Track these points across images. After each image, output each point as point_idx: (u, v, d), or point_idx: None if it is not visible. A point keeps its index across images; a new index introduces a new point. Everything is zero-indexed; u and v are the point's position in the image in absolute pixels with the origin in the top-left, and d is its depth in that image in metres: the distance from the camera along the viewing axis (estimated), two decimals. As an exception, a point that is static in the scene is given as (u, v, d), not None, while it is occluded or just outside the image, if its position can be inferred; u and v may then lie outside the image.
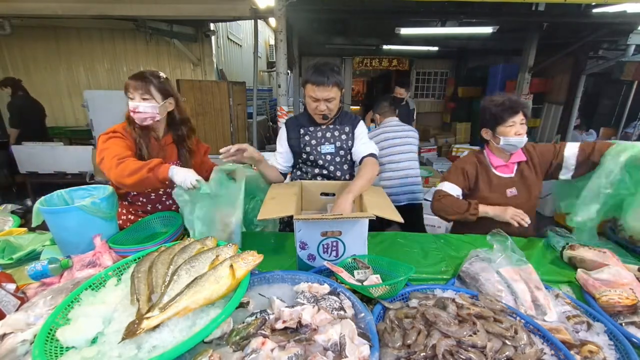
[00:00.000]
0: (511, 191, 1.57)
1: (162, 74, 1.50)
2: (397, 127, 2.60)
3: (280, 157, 1.70)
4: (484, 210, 1.51)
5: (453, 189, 1.60)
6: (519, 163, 1.59)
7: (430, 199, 3.46)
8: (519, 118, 1.48)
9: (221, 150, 1.41)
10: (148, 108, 1.44)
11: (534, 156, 1.58)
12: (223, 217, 1.31)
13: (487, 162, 1.62)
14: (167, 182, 1.29)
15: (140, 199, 1.59)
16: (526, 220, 1.42)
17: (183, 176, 1.25)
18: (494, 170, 1.60)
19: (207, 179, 1.36)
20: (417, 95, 9.58)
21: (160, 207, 1.62)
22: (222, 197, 1.33)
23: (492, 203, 1.55)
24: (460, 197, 1.60)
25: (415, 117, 4.16)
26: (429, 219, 3.24)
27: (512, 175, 1.59)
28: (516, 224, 1.42)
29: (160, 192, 1.60)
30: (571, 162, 1.51)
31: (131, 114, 1.45)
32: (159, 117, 1.48)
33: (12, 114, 4.13)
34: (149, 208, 1.61)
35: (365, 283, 0.99)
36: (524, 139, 1.50)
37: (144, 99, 1.44)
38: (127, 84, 1.44)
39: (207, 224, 1.27)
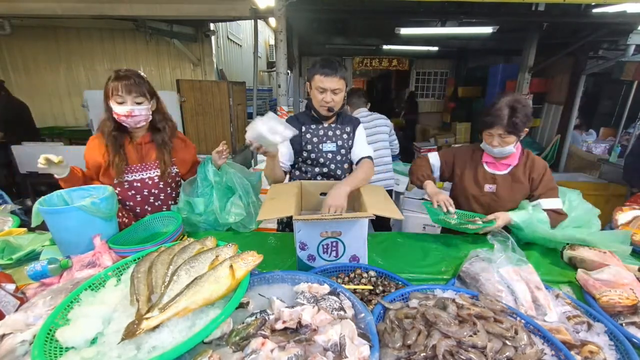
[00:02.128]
0: (490, 187, 1.59)
1: (142, 73, 1.47)
2: (367, 117, 2.73)
3: (280, 155, 1.66)
4: (426, 186, 1.65)
5: (433, 157, 1.74)
6: (513, 165, 1.58)
7: (429, 199, 3.45)
8: (496, 131, 1.46)
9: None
10: (143, 111, 1.41)
11: (530, 165, 1.56)
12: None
13: (480, 156, 1.64)
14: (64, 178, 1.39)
15: (127, 202, 1.56)
16: (450, 210, 1.47)
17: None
18: (484, 165, 1.62)
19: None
20: (417, 95, 9.58)
21: (149, 209, 1.59)
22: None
23: (469, 193, 1.63)
24: (437, 167, 1.72)
25: None
26: (429, 219, 3.24)
27: (502, 173, 1.58)
28: (444, 209, 1.48)
29: (146, 193, 1.57)
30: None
31: (122, 118, 1.40)
32: (150, 118, 1.47)
33: None
34: (138, 210, 1.58)
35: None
36: (498, 150, 1.49)
37: (137, 103, 1.40)
38: (117, 86, 1.36)
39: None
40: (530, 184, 1.55)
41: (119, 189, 1.52)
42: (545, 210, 1.45)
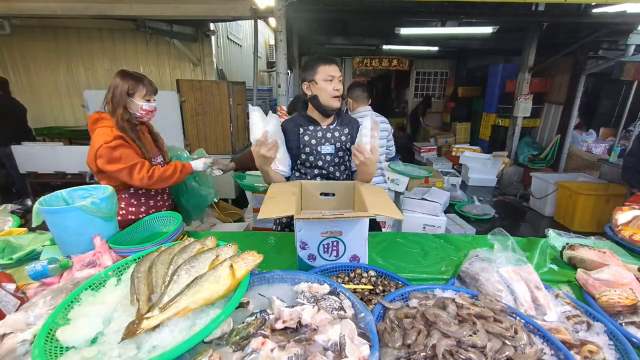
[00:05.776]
0: None
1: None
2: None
3: (278, 162, 1.63)
4: None
5: None
6: None
7: (429, 199, 3.44)
8: None
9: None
10: (155, 107, 1.67)
11: None
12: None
13: None
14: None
15: (141, 199, 1.68)
16: None
17: (202, 164, 1.73)
18: None
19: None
20: (417, 95, 9.60)
21: (159, 191, 1.76)
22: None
23: None
24: None
25: None
26: (429, 218, 3.24)
27: None
28: None
29: (160, 190, 1.75)
30: None
31: (149, 113, 1.63)
32: None
33: None
34: (151, 203, 1.71)
35: None
36: None
37: (154, 100, 1.65)
38: (148, 88, 1.58)
39: None
40: None
41: None
42: None
